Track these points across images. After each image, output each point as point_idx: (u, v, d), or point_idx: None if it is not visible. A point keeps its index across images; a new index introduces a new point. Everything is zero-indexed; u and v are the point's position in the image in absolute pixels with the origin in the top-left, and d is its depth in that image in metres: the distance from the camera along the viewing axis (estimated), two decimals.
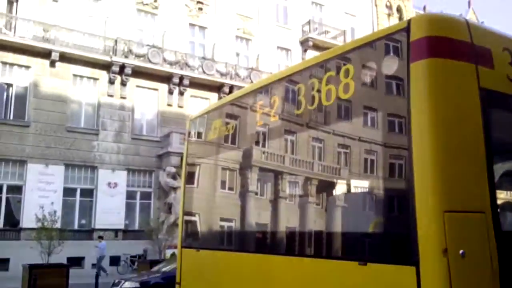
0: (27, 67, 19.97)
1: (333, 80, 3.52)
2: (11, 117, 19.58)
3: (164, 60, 22.61)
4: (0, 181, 19.03)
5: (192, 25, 24.92)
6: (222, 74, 24.13)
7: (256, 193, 4.53)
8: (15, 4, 20.36)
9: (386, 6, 32.78)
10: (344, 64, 3.47)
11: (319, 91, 3.65)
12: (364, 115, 3.49)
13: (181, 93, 23.34)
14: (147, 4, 23.50)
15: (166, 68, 22.55)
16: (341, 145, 3.64)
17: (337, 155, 3.66)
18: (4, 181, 19.09)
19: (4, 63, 19.56)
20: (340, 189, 3.68)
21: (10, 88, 19.73)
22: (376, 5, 32.15)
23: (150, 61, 22.15)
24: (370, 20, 31.61)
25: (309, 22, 28.16)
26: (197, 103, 23.34)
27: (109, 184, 20.86)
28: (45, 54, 19.98)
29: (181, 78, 22.96)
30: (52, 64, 20.22)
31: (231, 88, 23.77)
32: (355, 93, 3.33)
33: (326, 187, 3.79)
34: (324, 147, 3.83)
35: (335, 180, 3.72)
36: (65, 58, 20.39)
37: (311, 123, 3.87)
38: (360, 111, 3.48)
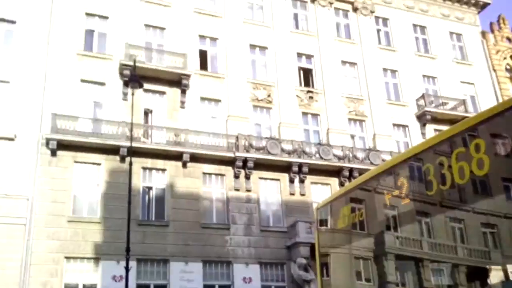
0: (163, 170, 21.95)
1: (464, 156, 3.37)
2: (153, 218, 21.29)
3: (282, 150, 23.45)
4: (147, 281, 19.95)
5: (304, 113, 25.83)
6: (339, 158, 24.11)
7: (397, 284, 4.24)
8: (149, 114, 23.37)
9: (506, 69, 30.75)
10: (473, 138, 3.32)
11: (450, 167, 3.50)
12: (505, 189, 3.22)
13: (301, 181, 23.66)
14: (261, 100, 25.19)
15: (285, 158, 23.26)
16: (485, 224, 3.35)
17: (482, 236, 3.36)
18: (150, 281, 20.03)
19: (144, 169, 21.71)
20: (495, 276, 3.30)
21: (150, 191, 21.84)
22: (494, 70, 30.26)
23: (269, 153, 23.13)
24: (491, 86, 29.72)
25: (423, 96, 27.39)
26: (318, 190, 23.41)
27: (244, 279, 20.97)
28: (177, 156, 21.90)
29: (300, 166, 23.39)
30: (184, 165, 22.02)
31: (351, 171, 23.52)
32: (491, 167, 3.13)
33: (477, 274, 3.43)
34: (465, 228, 3.55)
35: (487, 266, 3.35)
36: (194, 158, 22.15)
37: (445, 202, 3.66)
38: (501, 185, 3.23)
